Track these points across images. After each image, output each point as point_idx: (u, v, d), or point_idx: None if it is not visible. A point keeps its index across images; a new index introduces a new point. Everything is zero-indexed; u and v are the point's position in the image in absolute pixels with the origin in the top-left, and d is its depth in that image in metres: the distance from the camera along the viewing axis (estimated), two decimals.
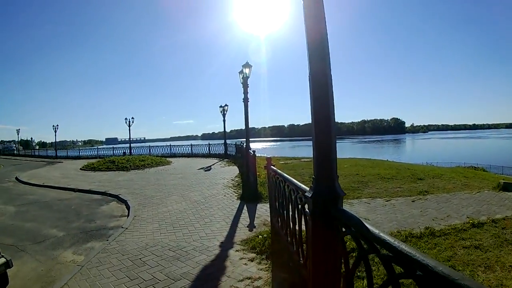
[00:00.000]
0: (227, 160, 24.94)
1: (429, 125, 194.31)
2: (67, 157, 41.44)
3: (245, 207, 9.48)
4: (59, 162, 34.63)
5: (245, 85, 11.78)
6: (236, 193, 11.54)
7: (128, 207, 10.44)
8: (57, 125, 44.10)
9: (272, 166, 5.98)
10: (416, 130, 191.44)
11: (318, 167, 2.39)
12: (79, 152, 43.31)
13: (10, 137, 62.81)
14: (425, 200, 9.51)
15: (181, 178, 16.03)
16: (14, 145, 61.62)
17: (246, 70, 11.90)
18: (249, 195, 10.47)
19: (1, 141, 74.64)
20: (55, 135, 44.30)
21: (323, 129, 2.38)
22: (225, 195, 11.29)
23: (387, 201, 9.61)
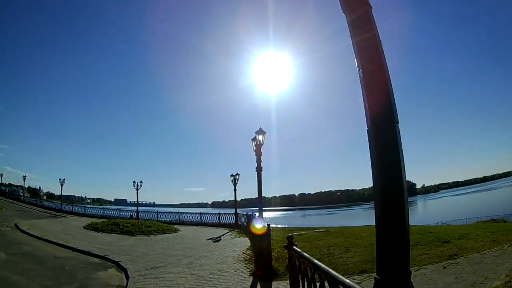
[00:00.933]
0: (237, 230, 24.76)
1: (440, 184, 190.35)
2: (72, 212, 41.41)
3: (258, 286, 8.88)
4: (63, 216, 34.58)
5: (258, 153, 11.82)
6: (248, 268, 10.94)
7: (127, 277, 9.87)
8: (64, 179, 46.44)
9: (295, 247, 5.54)
10: (427, 190, 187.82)
11: (383, 257, 1.99)
12: (84, 209, 43.50)
13: (18, 182, 64.19)
14: (456, 265, 9.13)
15: (188, 249, 15.55)
16: (21, 191, 62.72)
17: (260, 137, 12.00)
18: (263, 271, 9.83)
19: (9, 183, 76.11)
20: (61, 188, 46.17)
21: (393, 203, 2.02)
22: (235, 270, 10.70)
23: (416, 270, 8.95)
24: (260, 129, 12.08)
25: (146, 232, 21.67)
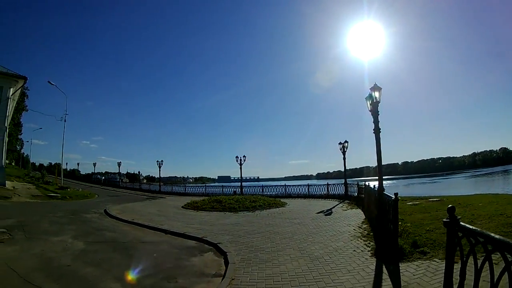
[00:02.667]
0: (348, 202, 25.21)
1: None
2: (171, 193, 44.65)
3: (384, 269, 7.84)
4: (162, 197, 36.96)
5: (375, 112, 11.43)
6: (368, 246, 10.22)
7: (226, 262, 8.99)
8: (162, 161, 49.26)
9: (463, 223, 4.03)
10: None
11: None
12: (185, 189, 46.32)
13: (116, 169, 69.97)
14: None
15: (298, 224, 15.06)
16: (118, 177, 67.96)
17: (376, 94, 11.55)
18: (386, 249, 8.99)
19: (106, 172, 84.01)
20: (159, 170, 49.00)
21: None
22: (354, 249, 9.89)
23: None
24: (375, 85, 11.56)
25: (251, 208, 21.66)
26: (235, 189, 38.57)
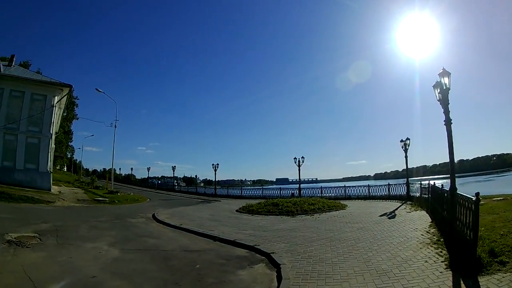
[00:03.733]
0: (410, 203, 24.56)
1: None
2: (227, 196, 44.95)
3: (462, 285, 6.74)
4: (217, 200, 37.03)
5: (445, 101, 10.75)
6: (440, 255, 9.05)
7: (279, 278, 7.88)
8: (217, 164, 49.96)
9: None
10: None
11: None
12: (241, 191, 46.49)
13: (173, 173, 72.81)
14: None
15: (361, 229, 14.20)
16: (175, 181, 69.91)
17: (445, 80, 10.78)
18: (462, 259, 7.94)
19: (162, 176, 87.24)
20: (215, 173, 49.77)
21: None
22: (426, 260, 8.75)
23: None
24: (444, 70, 10.78)
25: (310, 211, 20.89)
26: (293, 191, 37.85)
